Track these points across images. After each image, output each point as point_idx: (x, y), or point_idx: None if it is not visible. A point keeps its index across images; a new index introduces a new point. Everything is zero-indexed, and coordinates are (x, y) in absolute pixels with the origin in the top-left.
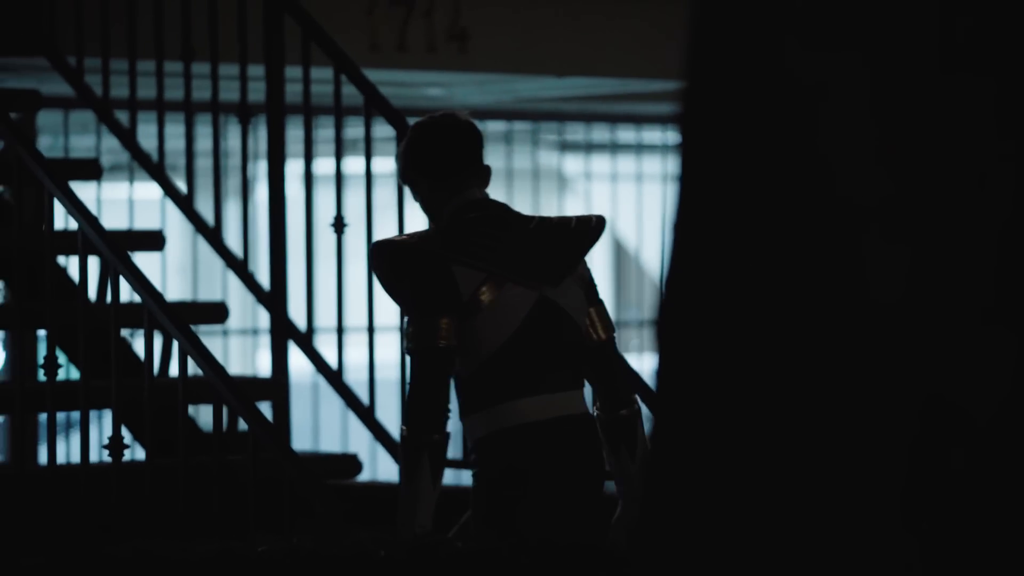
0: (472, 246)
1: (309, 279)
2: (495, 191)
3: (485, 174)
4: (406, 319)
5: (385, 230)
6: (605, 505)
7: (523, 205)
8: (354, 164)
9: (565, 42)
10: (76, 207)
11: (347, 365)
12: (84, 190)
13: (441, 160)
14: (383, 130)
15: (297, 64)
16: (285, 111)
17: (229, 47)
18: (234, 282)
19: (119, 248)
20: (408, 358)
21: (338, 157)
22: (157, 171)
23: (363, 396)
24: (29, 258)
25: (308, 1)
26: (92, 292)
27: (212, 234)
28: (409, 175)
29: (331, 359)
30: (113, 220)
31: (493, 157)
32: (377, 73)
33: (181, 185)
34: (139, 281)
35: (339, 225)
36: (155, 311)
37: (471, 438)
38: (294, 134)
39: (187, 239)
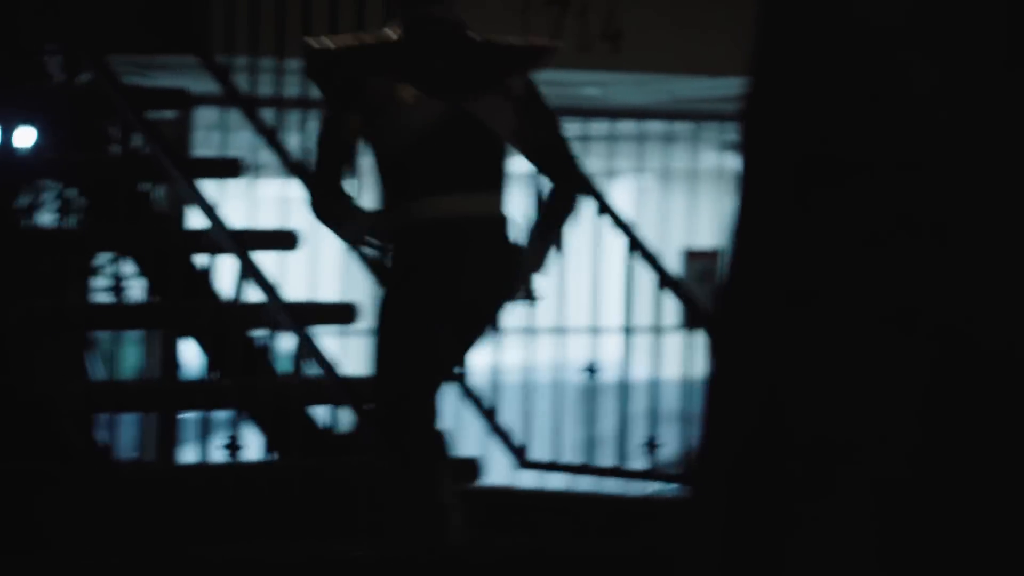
0: (396, 57)
1: None
2: (656, 190)
3: None
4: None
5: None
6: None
7: (681, 204)
8: None
9: (721, 42)
10: (203, 205)
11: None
12: (233, 187)
13: None
14: None
15: None
16: None
17: None
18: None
19: (243, 248)
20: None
21: None
22: (299, 170)
23: (487, 398)
24: (164, 257)
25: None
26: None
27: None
28: None
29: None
30: (267, 218)
31: (652, 157)
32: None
33: None
34: (261, 282)
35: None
36: (279, 312)
37: (389, 233)
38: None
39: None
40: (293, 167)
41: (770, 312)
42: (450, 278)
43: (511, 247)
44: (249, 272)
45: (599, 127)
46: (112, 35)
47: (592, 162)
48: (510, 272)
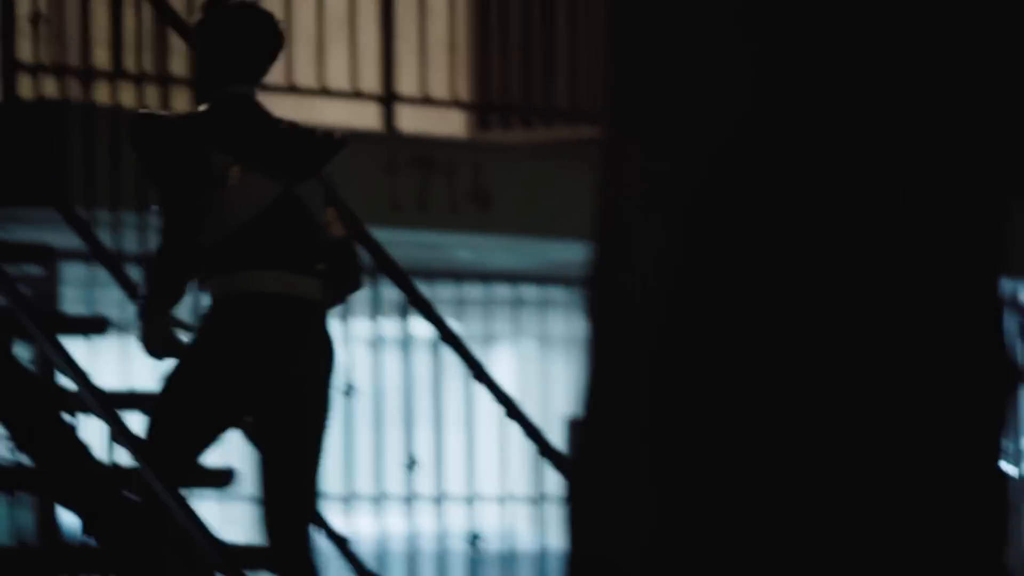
0: (227, 132)
1: None
2: (535, 357)
3: (262, 74)
4: (156, 190)
5: (394, 394)
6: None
7: (561, 370)
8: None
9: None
10: (68, 364)
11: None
12: (104, 345)
13: (226, 51)
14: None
15: None
16: None
17: None
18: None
19: (110, 407)
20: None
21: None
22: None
23: (371, 566)
24: (31, 416)
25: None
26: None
27: None
28: (198, 48)
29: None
30: (141, 376)
31: (529, 322)
32: (398, 233)
33: None
34: (131, 443)
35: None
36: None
37: (209, 300)
38: None
39: None
40: None
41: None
42: (269, 356)
43: (328, 335)
44: (118, 432)
45: (473, 291)
46: None
47: (467, 326)
48: (330, 360)
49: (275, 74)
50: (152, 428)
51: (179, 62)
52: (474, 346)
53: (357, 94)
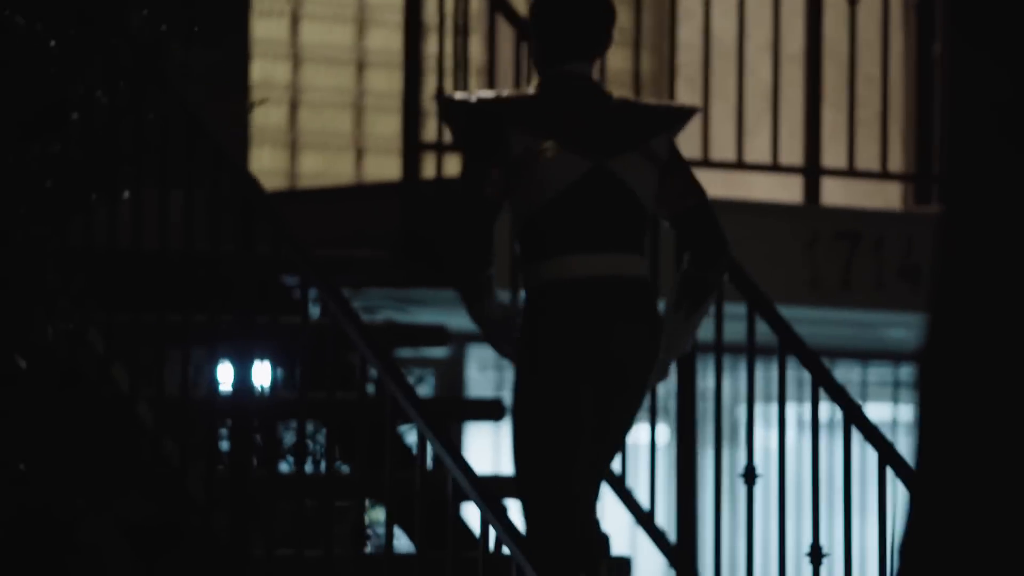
0: (540, 113)
1: (717, 536)
2: None
3: (596, 49)
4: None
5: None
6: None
7: None
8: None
9: None
10: (447, 450)
11: None
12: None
13: (555, 30)
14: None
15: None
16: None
17: None
18: (641, 535)
19: (492, 497)
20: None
21: (750, 401)
22: None
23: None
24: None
25: (737, 240)
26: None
27: (616, 482)
28: (531, 30)
29: None
30: None
31: None
32: (822, 312)
33: None
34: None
35: (750, 476)
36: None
37: (524, 289)
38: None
39: None
40: None
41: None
42: (590, 341)
43: (655, 314)
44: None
45: (909, 372)
46: (365, 268)
47: (902, 411)
48: (654, 342)
49: (693, 147)
50: (519, 477)
51: None
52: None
53: (777, 167)
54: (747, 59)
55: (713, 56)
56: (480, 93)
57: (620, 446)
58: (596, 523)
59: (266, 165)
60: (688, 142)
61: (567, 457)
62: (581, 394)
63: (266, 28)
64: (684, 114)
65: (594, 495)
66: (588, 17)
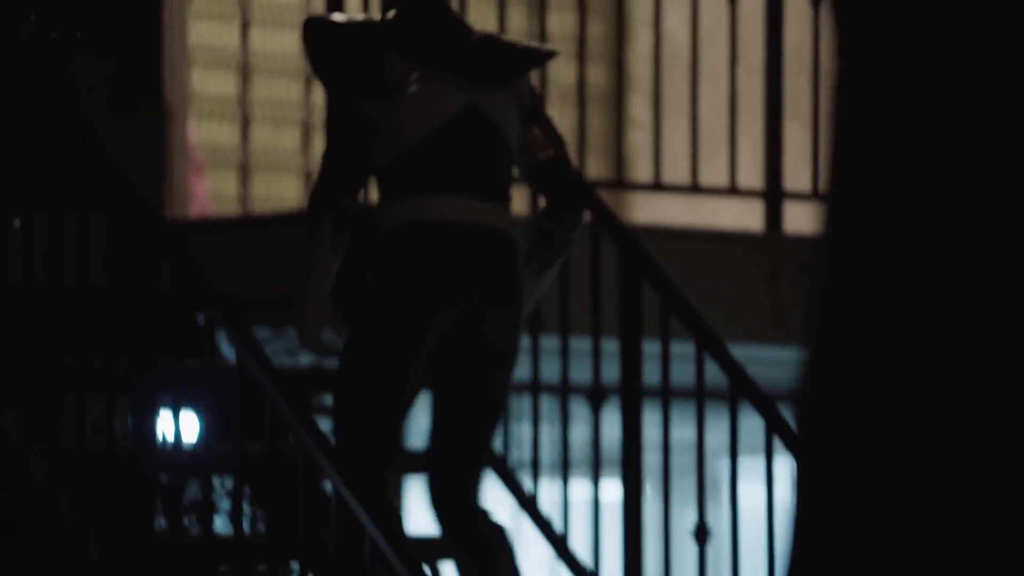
0: (408, 37)
1: None
2: None
3: None
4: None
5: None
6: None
7: None
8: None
9: None
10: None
11: None
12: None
13: None
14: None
15: (655, 338)
16: (642, 393)
17: (582, 319)
18: None
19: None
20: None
21: (700, 451)
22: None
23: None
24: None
25: (691, 272)
26: None
27: (558, 541)
28: None
29: None
30: None
31: None
32: (785, 351)
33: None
34: None
35: (701, 535)
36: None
37: (382, 227)
38: (650, 418)
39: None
40: None
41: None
42: (455, 296)
43: (517, 266)
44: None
45: None
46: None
47: None
48: (517, 297)
49: (646, 169)
50: (337, 402)
51: None
52: None
53: (736, 191)
54: (708, 70)
55: (673, 68)
56: (342, 16)
57: (493, 425)
58: (485, 513)
59: (219, 187)
60: (641, 163)
61: (396, 382)
62: (414, 337)
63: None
64: (544, 56)
65: (474, 480)
66: None
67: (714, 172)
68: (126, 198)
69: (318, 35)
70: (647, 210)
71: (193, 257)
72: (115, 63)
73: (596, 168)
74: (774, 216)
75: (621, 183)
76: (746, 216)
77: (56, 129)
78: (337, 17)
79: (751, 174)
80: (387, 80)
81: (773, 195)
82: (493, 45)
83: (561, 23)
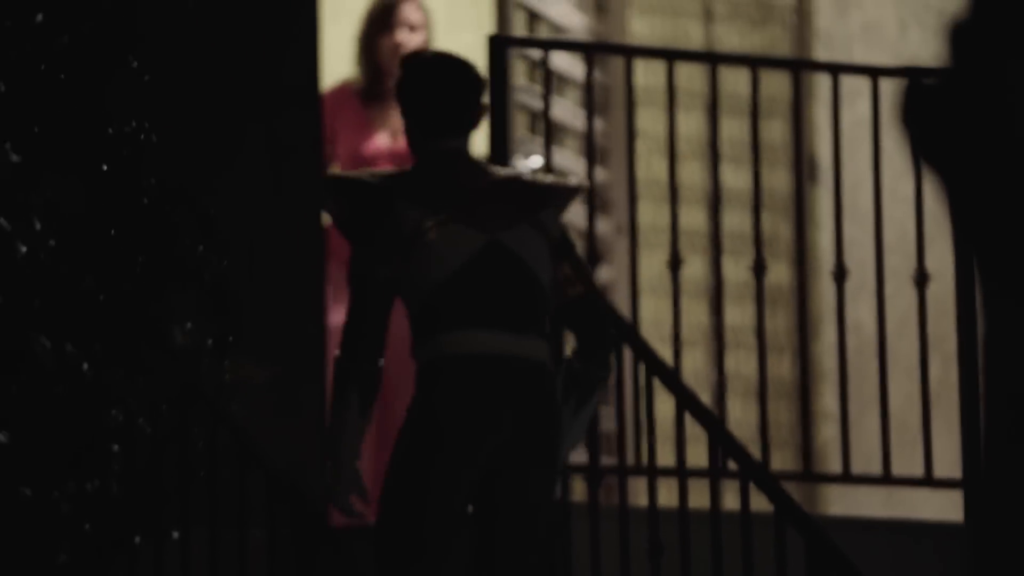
0: (421, 186)
1: None
2: None
3: (467, 122)
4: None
5: None
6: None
7: None
8: None
9: None
10: None
11: None
12: None
13: (421, 104)
14: None
15: None
16: None
17: None
18: None
19: None
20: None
21: None
22: None
23: None
24: None
25: (869, 565)
26: None
27: None
28: (401, 110)
29: None
30: None
31: None
32: None
33: None
34: None
35: None
36: None
37: (418, 366)
38: None
39: None
40: None
41: None
42: (482, 425)
43: (553, 401)
44: None
45: None
46: None
47: None
48: (553, 430)
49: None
50: (379, 538)
51: None
52: None
53: (931, 481)
54: (900, 360)
55: (863, 357)
56: (361, 172)
57: (533, 535)
58: None
59: None
60: (832, 456)
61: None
62: (464, 474)
63: None
64: (572, 191)
65: None
66: (456, 90)
67: (909, 463)
68: (287, 506)
69: (339, 193)
70: (841, 503)
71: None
72: (281, 367)
73: (783, 461)
74: (973, 506)
75: (810, 475)
76: (945, 507)
77: (211, 437)
78: (356, 174)
79: (948, 464)
80: (403, 233)
81: (971, 485)
82: (512, 183)
83: (743, 316)
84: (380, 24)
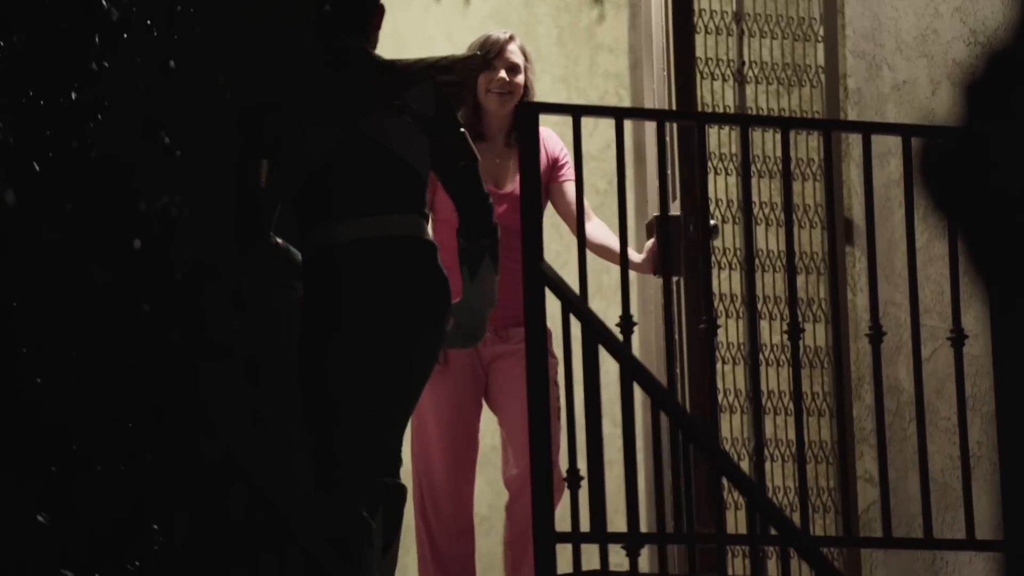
0: (288, 91)
1: None
2: None
3: (361, 22)
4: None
5: None
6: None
7: None
8: None
9: None
10: None
11: None
12: None
13: (326, 11)
14: None
15: None
16: None
17: None
18: None
19: None
20: None
21: None
22: None
23: None
24: None
25: None
26: None
27: None
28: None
29: None
30: None
31: None
32: None
33: None
34: None
35: None
36: None
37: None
38: None
39: None
40: None
41: None
42: (360, 302)
43: (436, 270)
44: None
45: None
46: None
47: None
48: (439, 299)
49: None
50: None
51: None
52: None
53: (973, 543)
54: (939, 420)
55: (903, 418)
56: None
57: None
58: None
59: None
60: (873, 519)
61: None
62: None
63: None
64: (445, 66)
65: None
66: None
67: (952, 525)
68: None
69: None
70: (884, 568)
71: None
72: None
73: (824, 526)
74: (1013, 568)
75: (851, 539)
76: (989, 569)
77: (250, 513)
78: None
79: (991, 526)
80: (268, 142)
81: (1011, 546)
82: (386, 69)
83: (778, 380)
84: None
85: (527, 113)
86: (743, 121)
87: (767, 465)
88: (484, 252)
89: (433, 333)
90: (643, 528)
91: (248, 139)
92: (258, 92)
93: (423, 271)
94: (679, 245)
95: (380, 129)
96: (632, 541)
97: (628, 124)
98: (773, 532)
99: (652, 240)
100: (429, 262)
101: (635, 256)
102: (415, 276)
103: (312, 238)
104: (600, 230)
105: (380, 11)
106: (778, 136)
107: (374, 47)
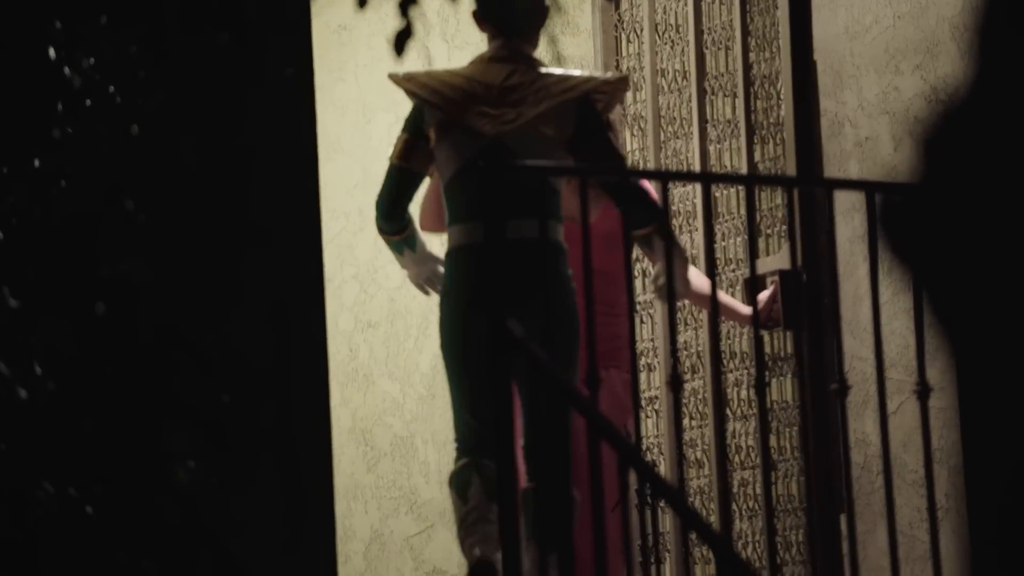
0: (444, 87)
1: None
2: None
3: (527, 32)
4: None
5: None
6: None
7: None
8: None
9: None
10: None
11: None
12: None
13: (490, 10)
14: None
15: None
16: None
17: None
18: None
19: None
20: None
21: None
22: None
23: None
24: None
25: None
26: None
27: None
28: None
29: None
30: None
31: None
32: None
33: None
34: None
35: None
36: None
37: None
38: None
39: None
40: None
41: None
42: (474, 304)
43: (558, 272)
44: None
45: None
46: None
47: None
48: (561, 299)
49: None
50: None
51: None
52: None
53: None
54: (906, 474)
55: (871, 473)
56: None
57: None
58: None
59: None
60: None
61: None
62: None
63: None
64: (592, 84)
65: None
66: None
67: None
68: None
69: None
70: None
71: None
72: (285, 504)
73: None
74: None
75: None
76: None
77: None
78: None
79: None
80: (426, 131)
81: None
82: (538, 80)
83: (746, 435)
84: None
85: (490, 175)
86: (706, 179)
87: (736, 519)
88: (653, 237)
89: (560, 333)
90: None
91: (409, 122)
92: (427, 79)
93: (549, 273)
94: (799, 300)
95: (523, 143)
96: None
97: None
98: None
99: (767, 292)
100: (556, 264)
101: (743, 309)
102: (542, 278)
103: (449, 235)
104: (698, 279)
105: (545, 13)
106: (741, 192)
107: (535, 47)
